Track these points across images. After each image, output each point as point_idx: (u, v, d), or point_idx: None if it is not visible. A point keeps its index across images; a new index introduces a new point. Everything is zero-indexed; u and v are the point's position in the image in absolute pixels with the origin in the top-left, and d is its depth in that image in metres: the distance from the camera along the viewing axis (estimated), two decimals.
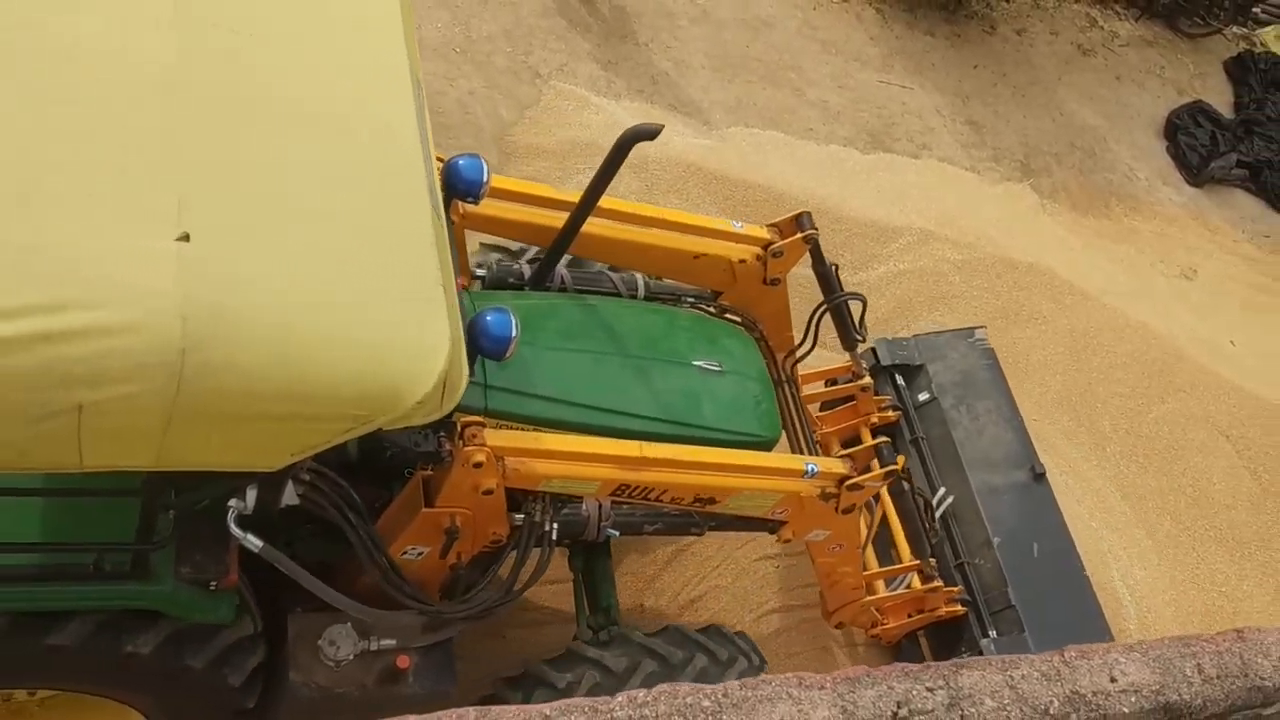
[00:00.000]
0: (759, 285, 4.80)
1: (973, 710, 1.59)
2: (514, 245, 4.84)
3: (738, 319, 4.86)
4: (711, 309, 4.86)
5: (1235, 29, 11.41)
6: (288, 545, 3.63)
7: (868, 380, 5.36)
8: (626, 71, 7.82)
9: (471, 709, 1.53)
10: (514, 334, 3.37)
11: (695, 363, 4.33)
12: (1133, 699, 1.73)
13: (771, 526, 4.49)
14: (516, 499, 3.88)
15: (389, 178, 3.03)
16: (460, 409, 3.38)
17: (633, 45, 8.04)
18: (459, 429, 3.57)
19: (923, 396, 5.67)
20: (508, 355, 3.39)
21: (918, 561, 5.10)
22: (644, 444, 3.90)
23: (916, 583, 5.16)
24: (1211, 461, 7.05)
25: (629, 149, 4.12)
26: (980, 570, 5.29)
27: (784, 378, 4.92)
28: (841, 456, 4.52)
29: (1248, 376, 7.71)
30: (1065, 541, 5.36)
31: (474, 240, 4.82)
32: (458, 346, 2.92)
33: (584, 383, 4.08)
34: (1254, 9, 11.21)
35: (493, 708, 1.54)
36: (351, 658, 3.85)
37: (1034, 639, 4.96)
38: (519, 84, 7.37)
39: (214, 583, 3.42)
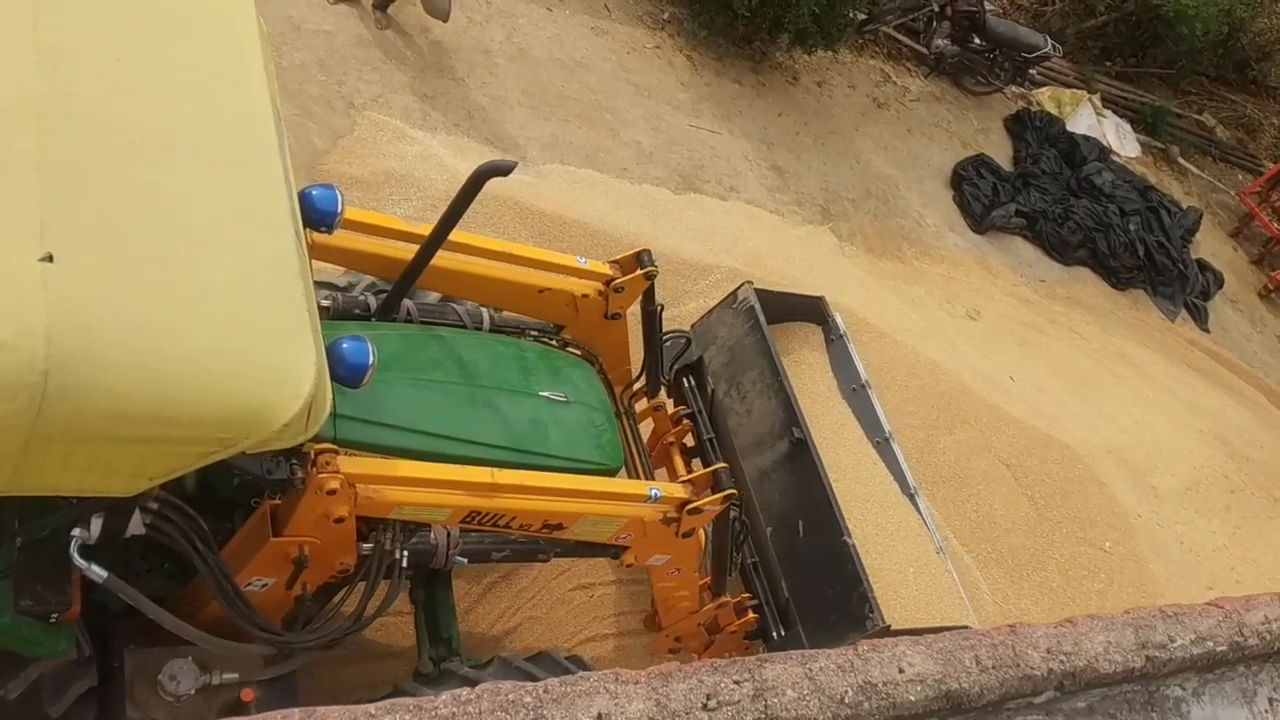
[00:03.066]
0: (600, 320, 4.91)
1: (775, 700, 1.71)
2: (340, 280, 4.81)
3: (579, 352, 4.95)
4: (554, 342, 4.94)
5: (1014, 89, 12.35)
6: (123, 580, 3.51)
7: (659, 399, 5.38)
8: (443, 105, 7.86)
9: (297, 710, 1.55)
10: (371, 361, 3.40)
11: (541, 393, 4.42)
12: (918, 688, 1.89)
13: (615, 552, 4.57)
14: (362, 529, 3.84)
15: (254, 204, 3.06)
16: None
17: (450, 80, 8.08)
18: (312, 456, 3.53)
19: (709, 391, 5.59)
20: (365, 382, 3.40)
21: (703, 580, 5.11)
22: (495, 470, 3.92)
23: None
24: (993, 489, 7.55)
25: (482, 184, 4.18)
26: (767, 567, 5.22)
27: (623, 409, 5.04)
28: (682, 482, 4.63)
29: (1025, 409, 8.31)
30: (827, 509, 5.07)
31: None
32: (323, 371, 2.96)
33: (433, 412, 4.10)
34: (1030, 71, 12.15)
35: (319, 708, 1.56)
36: (193, 692, 3.75)
37: (805, 630, 4.98)
38: (332, 113, 7.30)
39: (55, 615, 3.30)
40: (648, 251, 4.91)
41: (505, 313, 4.96)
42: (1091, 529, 7.68)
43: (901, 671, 1.87)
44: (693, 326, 5.89)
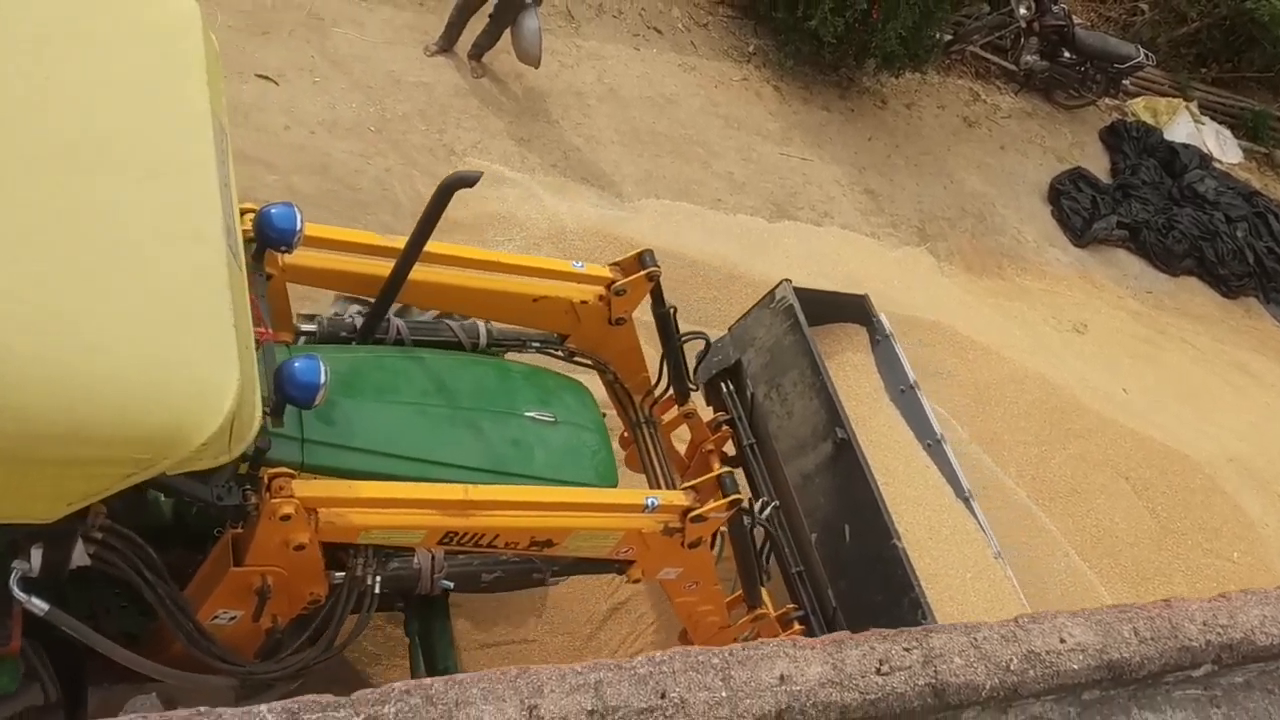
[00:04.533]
0: (604, 325, 4.63)
1: (945, 666, 1.74)
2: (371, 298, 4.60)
3: (588, 361, 4.74)
4: (559, 352, 4.73)
5: (1107, 100, 12.18)
6: (91, 618, 3.39)
7: (689, 407, 5.05)
8: (539, 147, 8.05)
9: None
10: (321, 380, 3.26)
11: (526, 414, 4.21)
12: (1080, 657, 1.89)
13: (620, 567, 4.29)
14: (341, 556, 3.65)
15: (182, 218, 2.94)
16: (275, 463, 3.35)
17: (545, 123, 8.28)
18: (265, 481, 3.36)
19: (749, 394, 5.27)
20: (317, 402, 3.28)
21: (737, 593, 4.82)
22: (468, 486, 3.71)
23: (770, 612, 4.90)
24: (1113, 502, 7.40)
25: (450, 196, 4.02)
26: (812, 575, 4.96)
27: (642, 419, 4.83)
28: (685, 488, 4.26)
29: (1141, 421, 8.13)
30: (874, 512, 4.83)
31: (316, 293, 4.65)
32: (249, 387, 2.84)
33: (407, 435, 3.92)
34: (1123, 82, 11.98)
35: (533, 667, 1.64)
36: None
37: None
38: (435, 161, 7.52)
39: None
40: (650, 251, 4.64)
41: (505, 325, 4.72)
42: (1217, 540, 7.47)
43: (1063, 641, 1.89)
44: (730, 329, 5.62)
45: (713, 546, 4.38)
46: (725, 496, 4.19)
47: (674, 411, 5.08)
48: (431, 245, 4.21)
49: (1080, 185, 10.70)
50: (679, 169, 8.59)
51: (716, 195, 8.55)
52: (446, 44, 8.21)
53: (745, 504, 4.45)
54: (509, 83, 8.37)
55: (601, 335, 4.69)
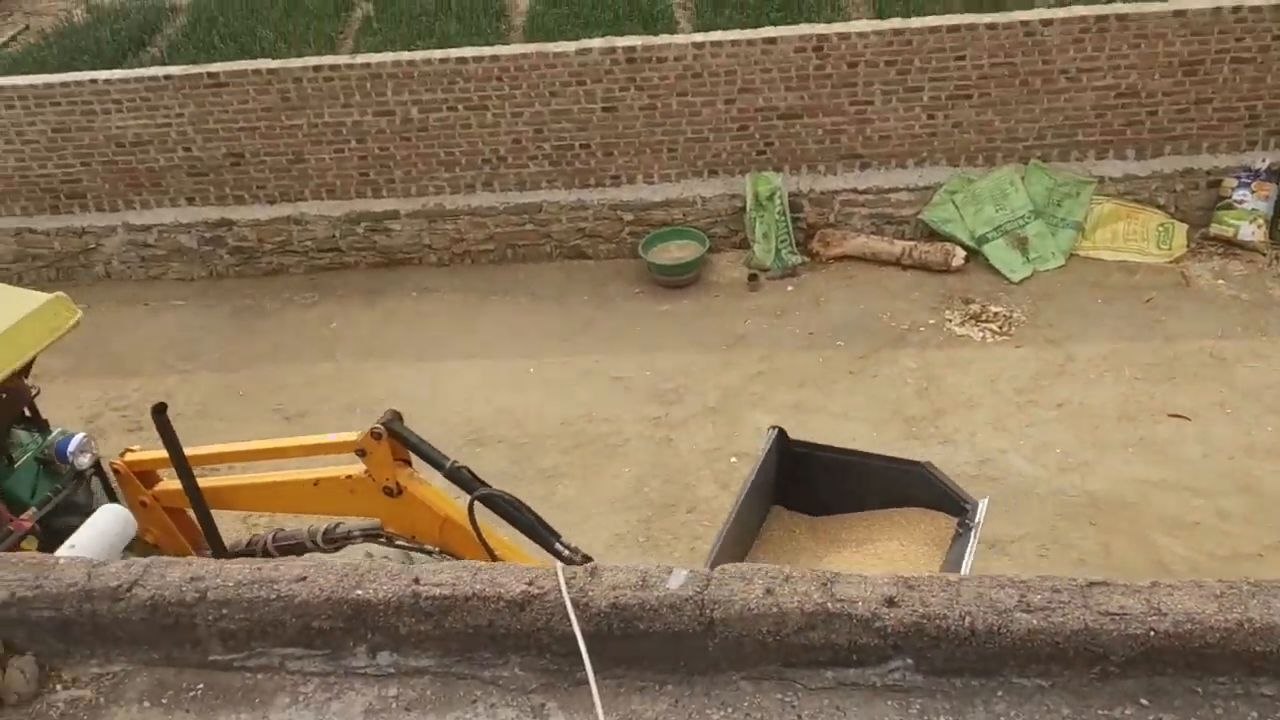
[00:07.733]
0: (383, 499, 4.20)
1: None
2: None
3: (422, 548, 4.34)
4: (381, 539, 4.45)
5: None
6: None
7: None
8: None
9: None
10: None
11: None
12: None
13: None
14: None
15: None
16: None
17: None
18: None
19: None
20: None
21: None
22: None
23: None
24: None
25: (162, 417, 4.21)
26: None
27: None
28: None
29: None
30: None
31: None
32: None
33: None
34: None
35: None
36: None
37: None
38: None
39: None
40: (393, 411, 4.19)
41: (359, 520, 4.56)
42: None
43: None
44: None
45: None
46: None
47: None
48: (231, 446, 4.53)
49: None
50: None
51: None
52: None
53: None
54: None
55: (396, 511, 4.30)
